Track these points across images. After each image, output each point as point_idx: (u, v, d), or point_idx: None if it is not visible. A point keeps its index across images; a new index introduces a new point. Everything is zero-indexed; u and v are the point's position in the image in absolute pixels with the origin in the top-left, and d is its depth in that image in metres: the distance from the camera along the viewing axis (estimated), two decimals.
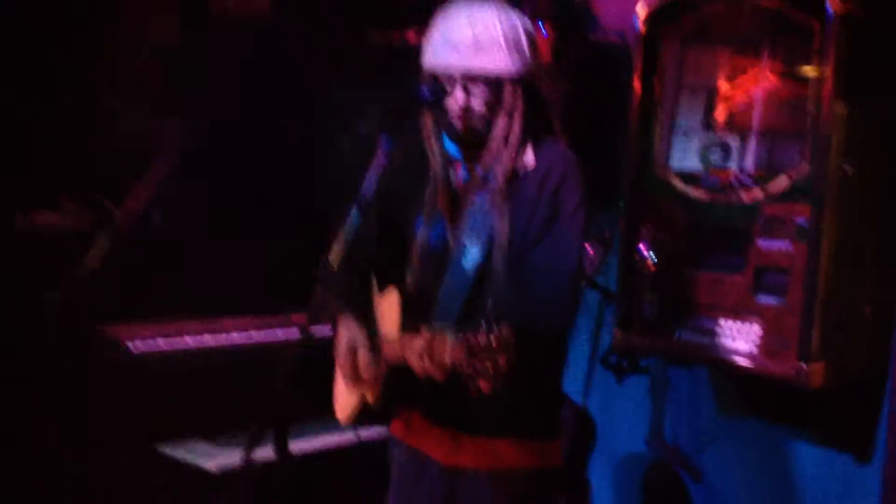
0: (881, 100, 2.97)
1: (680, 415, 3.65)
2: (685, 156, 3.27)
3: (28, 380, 3.33)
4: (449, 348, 2.09)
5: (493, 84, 2.37)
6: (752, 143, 3.12)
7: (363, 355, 2.41)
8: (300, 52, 5.00)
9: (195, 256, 4.05)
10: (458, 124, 2.40)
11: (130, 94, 4.74)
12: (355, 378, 2.44)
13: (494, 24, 2.35)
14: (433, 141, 2.49)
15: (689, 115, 3.28)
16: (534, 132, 2.44)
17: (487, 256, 2.39)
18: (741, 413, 3.48)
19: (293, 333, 3.96)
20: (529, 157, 2.42)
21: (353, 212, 2.25)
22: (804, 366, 2.83)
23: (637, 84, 3.29)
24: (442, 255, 2.47)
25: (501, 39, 2.35)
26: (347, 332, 2.46)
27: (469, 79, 2.36)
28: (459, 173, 2.50)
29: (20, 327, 3.30)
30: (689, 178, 3.18)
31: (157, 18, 4.76)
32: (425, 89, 2.38)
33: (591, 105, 3.72)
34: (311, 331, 2.20)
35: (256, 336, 3.90)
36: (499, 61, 2.35)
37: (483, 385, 2.03)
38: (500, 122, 2.39)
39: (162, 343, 3.63)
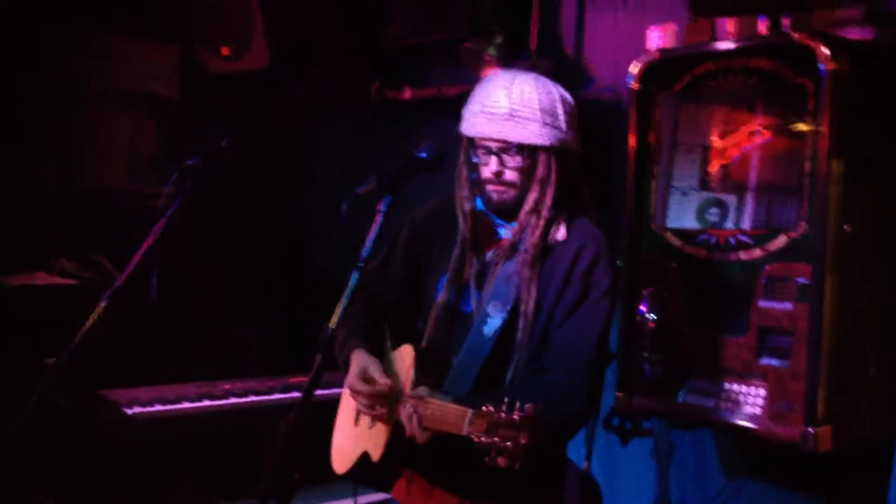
0: (877, 156, 2.93)
1: (686, 478, 3.57)
2: (682, 214, 3.24)
3: (24, 446, 3.30)
4: (468, 419, 2.07)
5: (528, 154, 2.41)
6: (750, 201, 3.09)
7: (379, 377, 2.39)
8: (300, 108, 5.03)
9: (194, 319, 4.04)
10: (491, 193, 2.46)
11: (129, 150, 4.78)
12: (371, 400, 2.40)
13: (532, 95, 2.40)
14: (466, 204, 2.52)
15: (685, 173, 3.25)
16: (566, 204, 2.47)
17: (508, 326, 2.41)
18: (749, 477, 3.40)
19: (292, 396, 3.92)
20: (562, 231, 2.46)
21: (353, 274, 2.26)
22: (811, 430, 2.76)
23: (632, 140, 3.26)
24: (462, 320, 2.50)
25: (538, 111, 2.40)
26: (360, 362, 2.45)
27: (504, 149, 2.41)
28: (489, 239, 2.53)
29: (17, 392, 3.28)
30: (687, 236, 3.14)
31: (157, 74, 4.81)
32: (425, 150, 2.41)
33: (586, 161, 3.68)
34: (311, 393, 2.19)
35: (255, 399, 3.86)
36: (534, 133, 2.39)
37: (502, 462, 2.01)
38: (533, 193, 2.44)
39: (159, 408, 3.60)
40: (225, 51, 4.67)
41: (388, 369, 2.49)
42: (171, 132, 4.87)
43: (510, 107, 2.38)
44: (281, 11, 4.66)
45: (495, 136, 2.40)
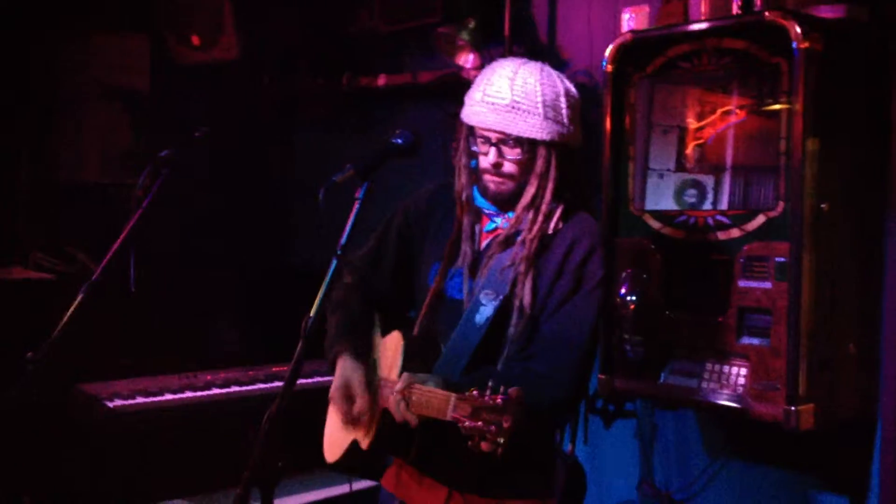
0: (852, 133, 2.95)
1: (669, 459, 3.59)
2: (660, 196, 3.25)
3: (3, 442, 3.27)
4: (452, 403, 2.06)
5: (527, 147, 2.37)
6: (727, 182, 3.11)
7: (359, 396, 2.39)
8: (272, 98, 5.01)
9: (174, 310, 4.03)
10: (489, 183, 2.43)
11: (102, 143, 4.75)
12: (348, 420, 2.42)
13: (535, 88, 2.36)
14: (464, 192, 2.50)
15: (661, 155, 3.25)
16: (565, 197, 2.44)
17: (500, 316, 2.39)
18: (731, 456, 3.42)
19: (274, 385, 3.92)
20: (558, 222, 2.42)
21: (333, 261, 2.23)
22: (793, 408, 2.78)
23: (608, 123, 3.26)
24: (454, 307, 2.47)
25: (540, 105, 2.35)
26: (343, 372, 2.44)
27: (503, 140, 2.37)
28: (483, 228, 2.51)
29: None
30: (665, 218, 3.15)
31: (128, 66, 4.78)
32: (400, 136, 2.38)
33: None
34: (293, 382, 2.16)
35: (237, 390, 3.85)
36: (534, 126, 2.35)
37: (485, 446, 2.00)
38: (531, 188, 2.40)
39: (141, 400, 3.59)
40: (195, 40, 4.63)
41: (374, 358, 2.49)
42: (143, 124, 4.84)
43: (512, 98, 2.34)
44: (251, 1, 4.63)
45: (495, 128, 2.36)
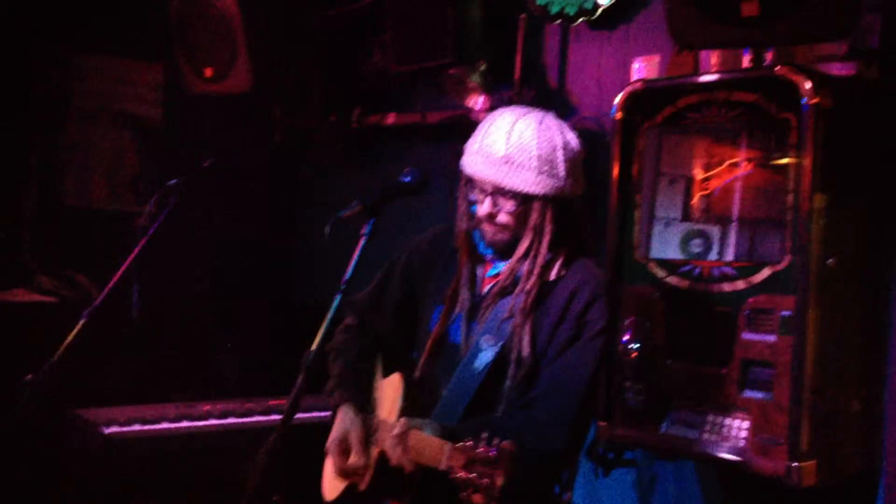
0: (860, 190, 2.95)
1: None
2: (666, 244, 3.24)
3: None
4: (447, 453, 2.07)
5: (521, 200, 2.38)
6: (733, 233, 3.10)
7: (355, 452, 2.40)
8: (282, 132, 5.03)
9: (175, 339, 4.03)
10: (485, 232, 2.45)
11: (110, 169, 4.78)
12: (342, 473, 2.43)
13: (531, 142, 2.36)
14: (464, 237, 2.52)
15: (668, 204, 3.25)
16: (566, 245, 2.45)
17: (499, 363, 2.40)
18: None
19: (272, 418, 3.91)
20: (560, 270, 2.43)
21: (336, 297, 2.25)
22: (795, 464, 2.75)
23: (615, 170, 3.26)
24: (454, 351, 2.49)
25: (535, 160, 2.35)
26: (343, 423, 2.45)
27: (498, 192, 2.38)
28: (486, 273, 2.52)
29: None
30: (670, 266, 3.14)
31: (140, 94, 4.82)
32: (409, 175, 2.41)
33: None
34: (291, 416, 2.18)
35: (235, 421, 3.83)
36: (527, 181, 2.35)
37: (477, 499, 2.00)
38: (525, 240, 2.41)
39: (137, 427, 3.57)
40: (208, 72, 4.66)
41: (374, 398, 2.49)
42: (152, 152, 4.87)
43: (506, 151, 2.35)
44: (264, 36, 4.67)
45: (489, 180, 2.38)
